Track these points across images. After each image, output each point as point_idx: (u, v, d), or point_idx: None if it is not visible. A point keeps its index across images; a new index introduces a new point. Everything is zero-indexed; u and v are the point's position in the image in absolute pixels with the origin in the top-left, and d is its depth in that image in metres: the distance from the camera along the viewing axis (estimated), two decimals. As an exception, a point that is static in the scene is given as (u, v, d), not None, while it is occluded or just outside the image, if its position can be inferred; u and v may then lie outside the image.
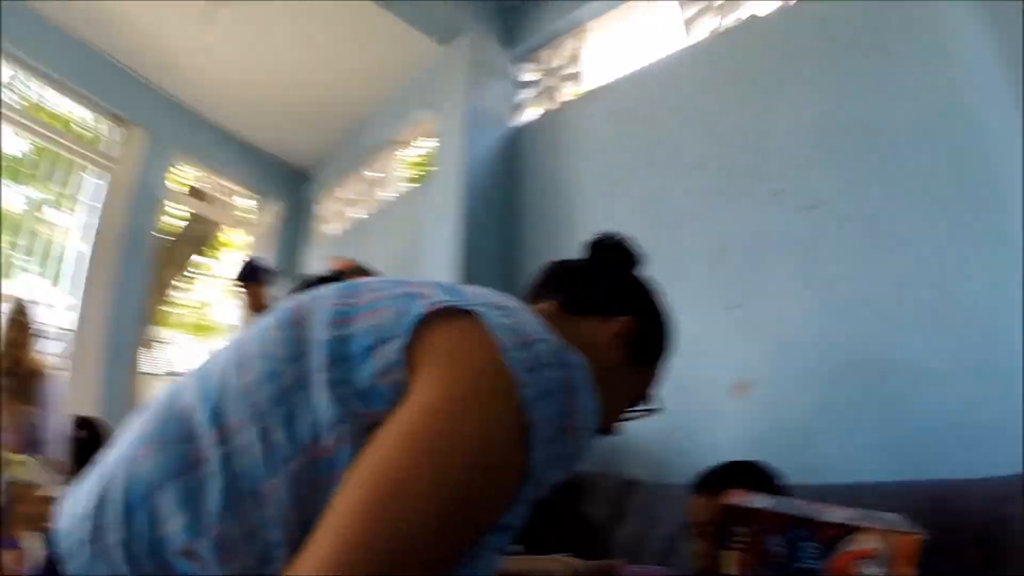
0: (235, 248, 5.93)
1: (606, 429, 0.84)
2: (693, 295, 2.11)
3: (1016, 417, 1.34)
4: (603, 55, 2.97)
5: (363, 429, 0.53)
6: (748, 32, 2.25)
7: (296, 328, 0.60)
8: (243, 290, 3.25)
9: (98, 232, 4.06)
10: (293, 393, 0.56)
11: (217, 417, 0.56)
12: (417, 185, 3.75)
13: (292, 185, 5.12)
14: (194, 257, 7.06)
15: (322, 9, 3.40)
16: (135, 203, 4.16)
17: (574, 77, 3.03)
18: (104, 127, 4.27)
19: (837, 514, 0.86)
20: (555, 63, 3.17)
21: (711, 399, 1.99)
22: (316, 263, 4.28)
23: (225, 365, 0.60)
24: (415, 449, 0.50)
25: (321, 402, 0.55)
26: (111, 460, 0.60)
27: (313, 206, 5.07)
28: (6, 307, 2.69)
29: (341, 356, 0.56)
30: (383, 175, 4.20)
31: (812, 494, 1.45)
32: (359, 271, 2.78)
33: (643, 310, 0.85)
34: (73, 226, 4.30)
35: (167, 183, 4.45)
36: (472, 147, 2.99)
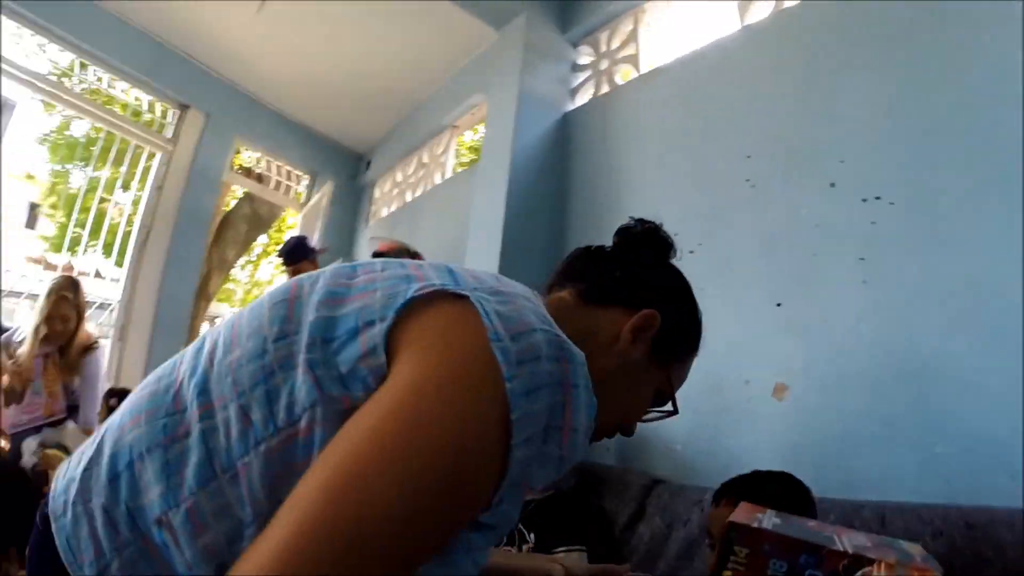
0: (294, 229, 6.08)
1: (621, 428, 0.80)
2: (738, 288, 2.01)
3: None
4: (661, 36, 2.85)
5: (338, 414, 0.52)
6: (810, 14, 2.10)
7: (288, 306, 0.59)
8: (289, 268, 3.30)
9: (155, 210, 4.23)
10: (276, 373, 0.55)
11: (203, 392, 0.56)
12: (467, 170, 3.75)
13: (348, 167, 5.25)
14: (257, 237, 7.26)
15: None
16: (192, 183, 4.36)
17: (631, 59, 2.92)
18: (163, 111, 4.46)
19: (851, 541, 0.77)
20: (611, 45, 3.06)
21: (746, 400, 1.88)
22: (366, 244, 4.34)
23: (218, 340, 0.60)
24: (384, 433, 0.48)
25: (300, 384, 0.53)
26: (106, 427, 0.62)
27: (367, 188, 5.14)
28: (58, 283, 2.82)
29: (325, 338, 0.55)
30: (437, 159, 4.22)
31: (841, 509, 1.39)
32: (404, 252, 2.79)
33: (668, 304, 0.78)
34: (133, 205, 4.51)
35: (225, 165, 4.65)
36: (520, 132, 2.94)
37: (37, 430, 2.64)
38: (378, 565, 0.44)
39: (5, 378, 2.66)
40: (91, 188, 6.09)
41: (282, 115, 4.85)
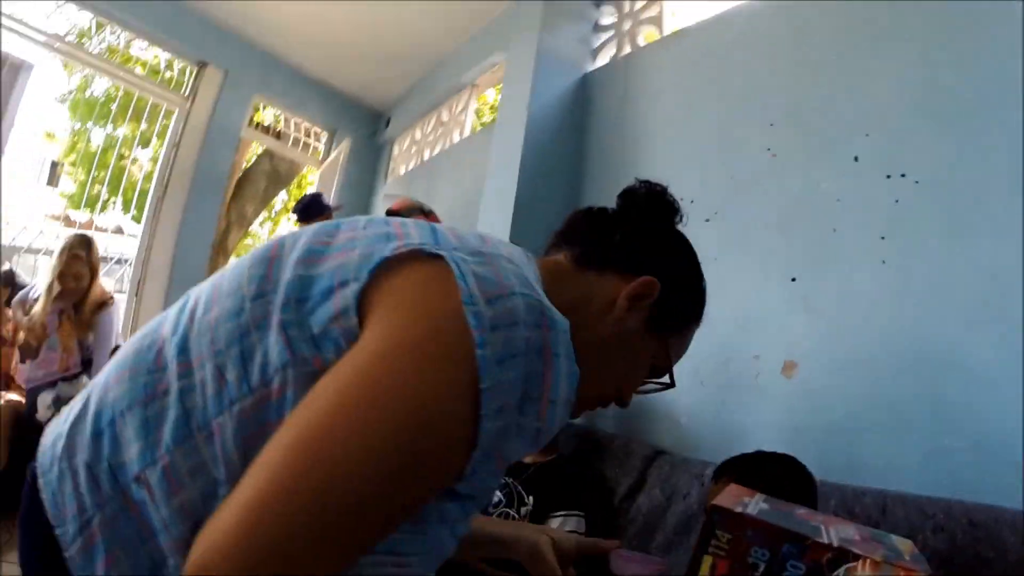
0: (312, 186, 6.07)
1: (616, 399, 0.77)
2: (753, 261, 1.95)
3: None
4: (687, -3, 2.73)
5: (309, 376, 0.51)
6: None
7: (268, 265, 0.58)
8: (304, 225, 3.29)
9: (171, 167, 4.25)
10: (252, 332, 0.54)
11: (183, 351, 0.56)
12: (485, 129, 3.70)
13: (367, 125, 5.20)
14: (276, 194, 7.27)
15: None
16: (209, 140, 4.36)
17: (654, 21, 2.81)
18: (181, 69, 4.44)
19: (838, 534, 0.74)
20: (635, 6, 2.95)
21: (754, 376, 1.84)
22: (385, 200, 4.33)
23: (201, 298, 0.60)
24: (348, 398, 0.47)
25: (273, 344, 0.53)
26: (94, 384, 0.61)
27: (386, 145, 5.11)
28: (70, 241, 2.85)
29: (300, 297, 0.54)
30: (456, 117, 4.17)
31: (842, 495, 1.35)
32: (416, 210, 2.76)
33: (670, 271, 0.74)
34: (151, 162, 4.53)
35: (243, 122, 4.62)
36: (538, 92, 2.87)
37: (52, 384, 2.70)
38: (342, 529, 0.44)
39: (21, 334, 2.72)
40: (110, 146, 6.14)
41: (301, 72, 4.80)
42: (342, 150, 4.86)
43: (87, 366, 2.79)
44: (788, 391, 1.73)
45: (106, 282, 3.01)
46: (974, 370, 1.38)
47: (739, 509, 0.75)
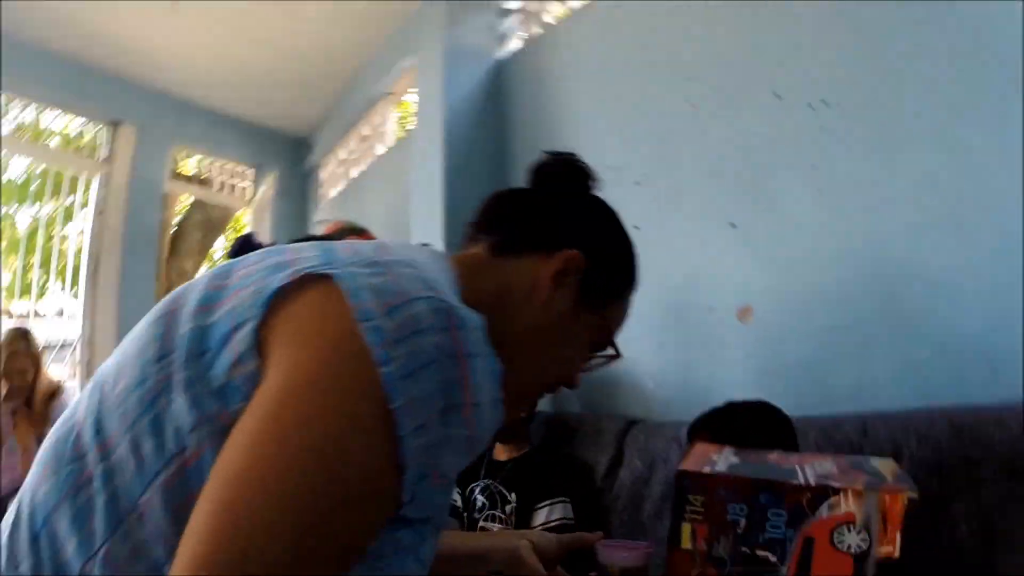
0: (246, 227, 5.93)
1: (563, 382, 0.72)
2: (690, 214, 1.95)
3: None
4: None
5: (221, 432, 0.47)
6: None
7: (166, 322, 0.53)
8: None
9: (100, 235, 4.12)
10: (160, 397, 0.50)
11: (98, 431, 0.52)
12: (405, 136, 3.64)
13: (291, 154, 5.09)
14: (213, 242, 7.08)
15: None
16: (134, 201, 4.22)
17: (559, -4, 2.78)
18: (93, 131, 4.32)
19: (814, 471, 0.70)
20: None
21: (712, 328, 1.83)
22: (316, 228, 4.24)
23: (110, 370, 0.56)
24: (257, 452, 0.43)
25: (181, 405, 0.49)
26: (24, 485, 0.57)
27: (313, 171, 5.02)
28: (7, 337, 2.77)
29: (199, 350, 0.50)
30: (377, 130, 4.11)
31: (820, 426, 1.33)
32: (349, 231, 2.68)
33: (592, 241, 0.69)
34: (80, 235, 4.36)
35: (165, 176, 4.50)
36: (450, 88, 2.83)
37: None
38: None
39: None
40: (37, 227, 5.91)
41: (216, 113, 4.66)
42: (268, 184, 4.73)
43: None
44: (749, 337, 1.72)
45: (56, 369, 2.91)
46: (927, 276, 1.37)
47: (707, 469, 0.72)
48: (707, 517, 0.69)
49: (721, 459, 0.75)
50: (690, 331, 1.88)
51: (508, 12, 3.06)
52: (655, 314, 1.96)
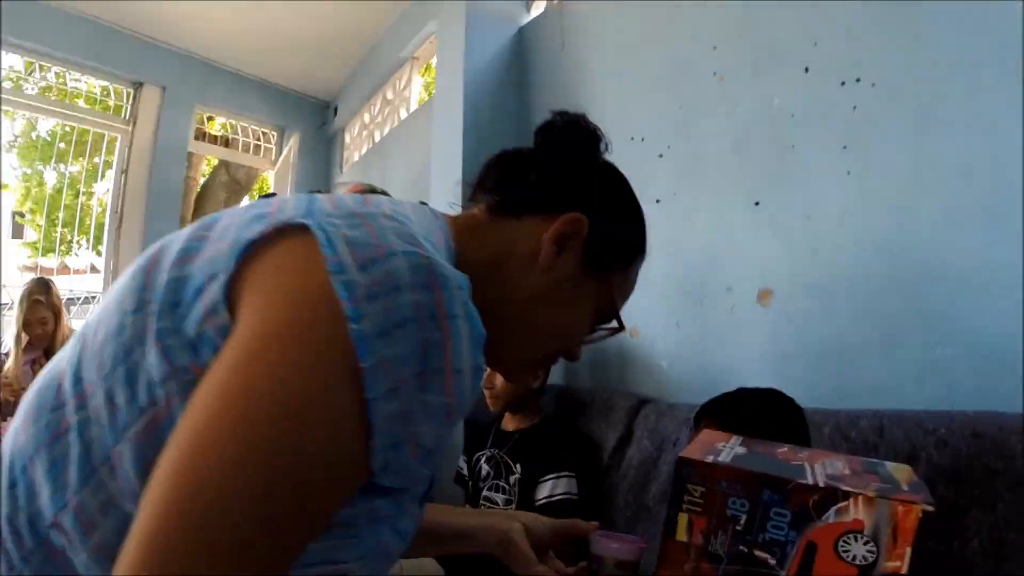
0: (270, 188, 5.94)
1: (563, 353, 0.70)
2: (713, 190, 1.88)
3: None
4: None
5: (191, 385, 0.45)
6: None
7: (146, 274, 0.52)
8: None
9: (123, 195, 4.19)
10: (135, 349, 0.48)
11: (77, 381, 0.51)
12: (428, 101, 3.60)
13: (315, 117, 5.10)
14: (238, 203, 7.13)
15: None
16: (157, 161, 4.28)
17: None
18: (117, 92, 4.34)
19: (824, 470, 0.66)
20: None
21: (729, 309, 1.77)
22: (338, 190, 4.24)
23: (93, 320, 0.54)
24: (221, 405, 0.42)
25: (153, 358, 0.47)
26: (8, 431, 0.57)
27: (338, 135, 5.00)
28: (28, 287, 2.80)
29: (175, 301, 0.48)
30: (401, 94, 4.07)
31: (836, 421, 1.27)
32: (369, 193, 2.68)
33: (596, 204, 0.65)
34: (105, 193, 4.42)
35: (189, 137, 4.54)
36: (472, 53, 2.78)
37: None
38: (245, 549, 0.39)
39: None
40: (65, 186, 5.99)
41: (240, 75, 4.67)
42: (291, 146, 4.74)
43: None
44: (767, 320, 1.67)
45: (76, 323, 2.94)
46: (959, 272, 1.30)
47: (709, 458, 0.68)
48: (706, 509, 0.66)
49: (727, 449, 0.71)
50: (707, 311, 1.83)
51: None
52: (672, 291, 1.92)
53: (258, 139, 5.22)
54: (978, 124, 1.30)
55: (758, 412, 1.11)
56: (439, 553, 0.83)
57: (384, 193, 2.66)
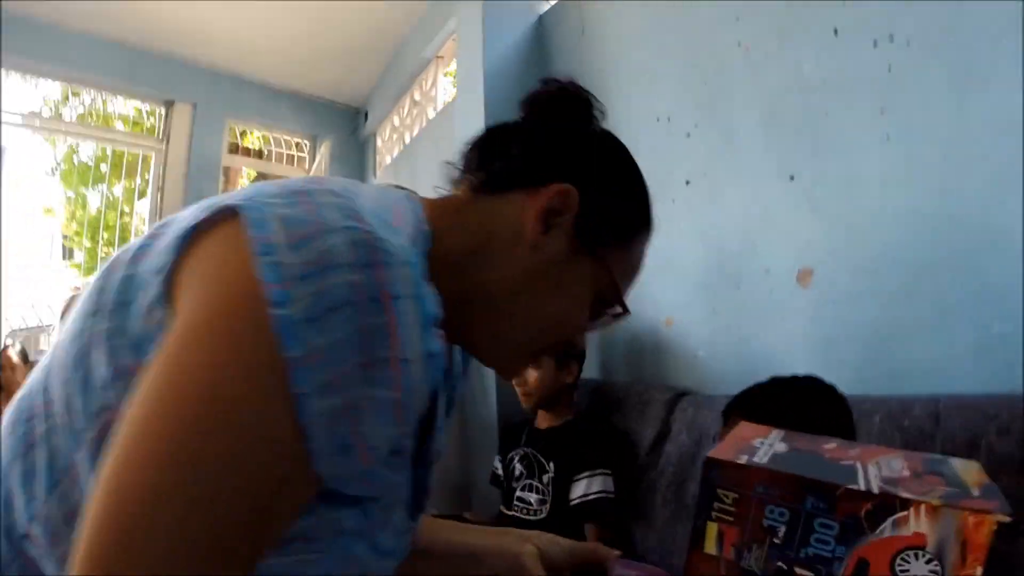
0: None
1: (563, 338, 0.64)
2: (745, 167, 1.79)
3: None
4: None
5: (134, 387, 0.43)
6: None
7: (106, 276, 0.50)
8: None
9: (160, 212, 4.35)
10: (90, 353, 0.47)
11: (46, 388, 0.50)
12: (451, 100, 3.60)
13: (346, 123, 5.15)
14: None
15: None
16: (192, 177, 4.39)
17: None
18: (152, 113, 4.48)
19: (879, 472, 0.56)
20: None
21: (768, 292, 1.68)
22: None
23: (63, 329, 0.53)
24: (142, 415, 0.39)
25: (102, 359, 0.46)
26: None
27: (370, 140, 5.04)
28: (70, 298, 2.85)
29: (125, 300, 0.47)
30: (427, 94, 4.07)
31: (887, 408, 1.18)
32: (396, 192, 2.68)
33: (588, 174, 0.60)
34: (144, 211, 4.55)
35: (222, 151, 4.65)
36: (491, 47, 2.76)
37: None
38: (178, 566, 0.36)
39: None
40: (109, 207, 6.20)
41: (269, 87, 4.75)
42: (323, 154, 4.80)
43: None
44: (808, 302, 1.57)
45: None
46: (1012, 237, 1.19)
47: (743, 459, 0.58)
48: (739, 519, 0.57)
49: (764, 446, 0.62)
50: (744, 296, 1.74)
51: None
52: (707, 276, 1.84)
53: (291, 149, 5.29)
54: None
55: (793, 404, 1.01)
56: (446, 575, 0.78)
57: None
